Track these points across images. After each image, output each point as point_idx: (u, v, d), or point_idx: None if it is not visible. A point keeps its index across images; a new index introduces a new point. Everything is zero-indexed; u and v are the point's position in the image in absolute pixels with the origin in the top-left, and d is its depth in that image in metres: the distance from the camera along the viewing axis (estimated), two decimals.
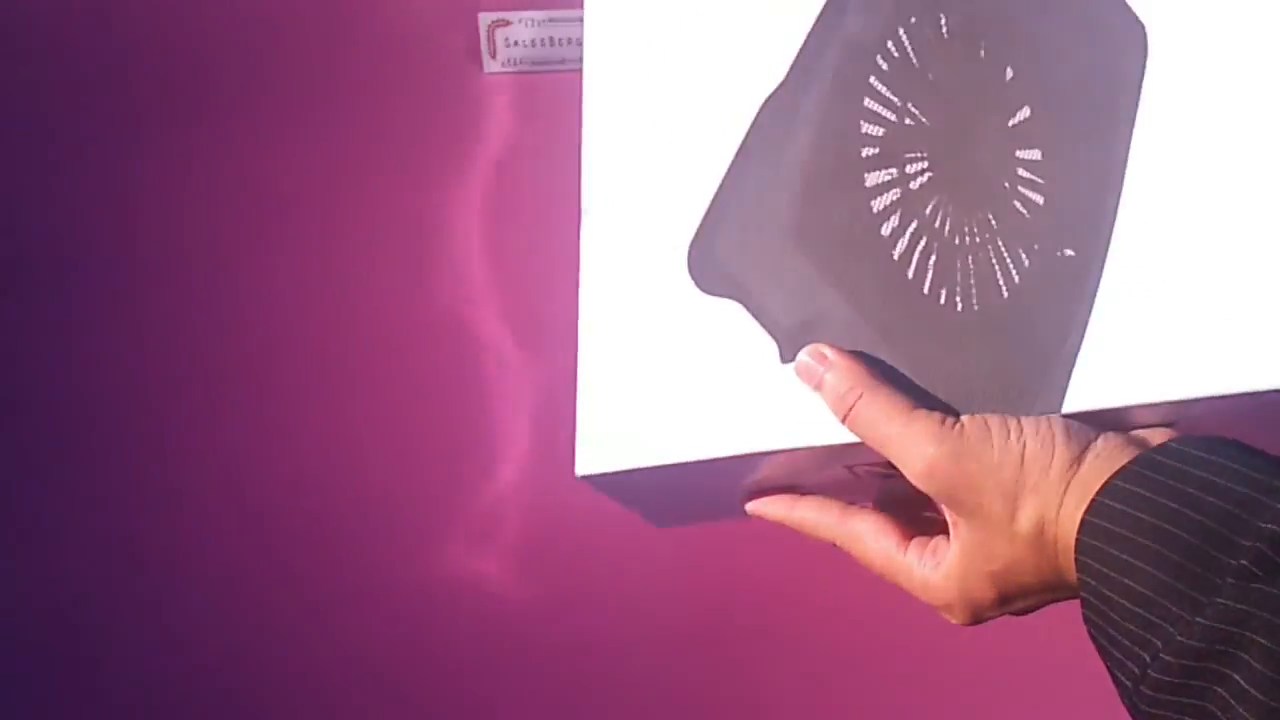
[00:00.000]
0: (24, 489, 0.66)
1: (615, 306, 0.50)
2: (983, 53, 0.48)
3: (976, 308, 0.47)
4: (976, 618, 0.46)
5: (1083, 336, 0.46)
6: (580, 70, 0.59)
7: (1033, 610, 0.47)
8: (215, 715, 0.65)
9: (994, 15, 0.48)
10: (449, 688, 0.68)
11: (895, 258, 0.48)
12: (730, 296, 0.49)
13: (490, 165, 0.68)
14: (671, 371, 0.49)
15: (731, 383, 0.49)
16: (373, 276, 0.66)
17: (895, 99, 0.48)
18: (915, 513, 0.49)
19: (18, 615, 0.64)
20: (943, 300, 0.48)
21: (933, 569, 0.47)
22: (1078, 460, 0.44)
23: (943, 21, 0.48)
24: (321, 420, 0.66)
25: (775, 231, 0.49)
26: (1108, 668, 0.42)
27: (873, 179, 0.48)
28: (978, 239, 0.47)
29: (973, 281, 0.47)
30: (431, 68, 0.69)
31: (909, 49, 0.48)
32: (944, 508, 0.46)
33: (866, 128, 0.48)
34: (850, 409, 0.46)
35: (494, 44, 0.68)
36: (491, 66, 0.69)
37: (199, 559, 0.66)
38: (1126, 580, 0.41)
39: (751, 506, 0.51)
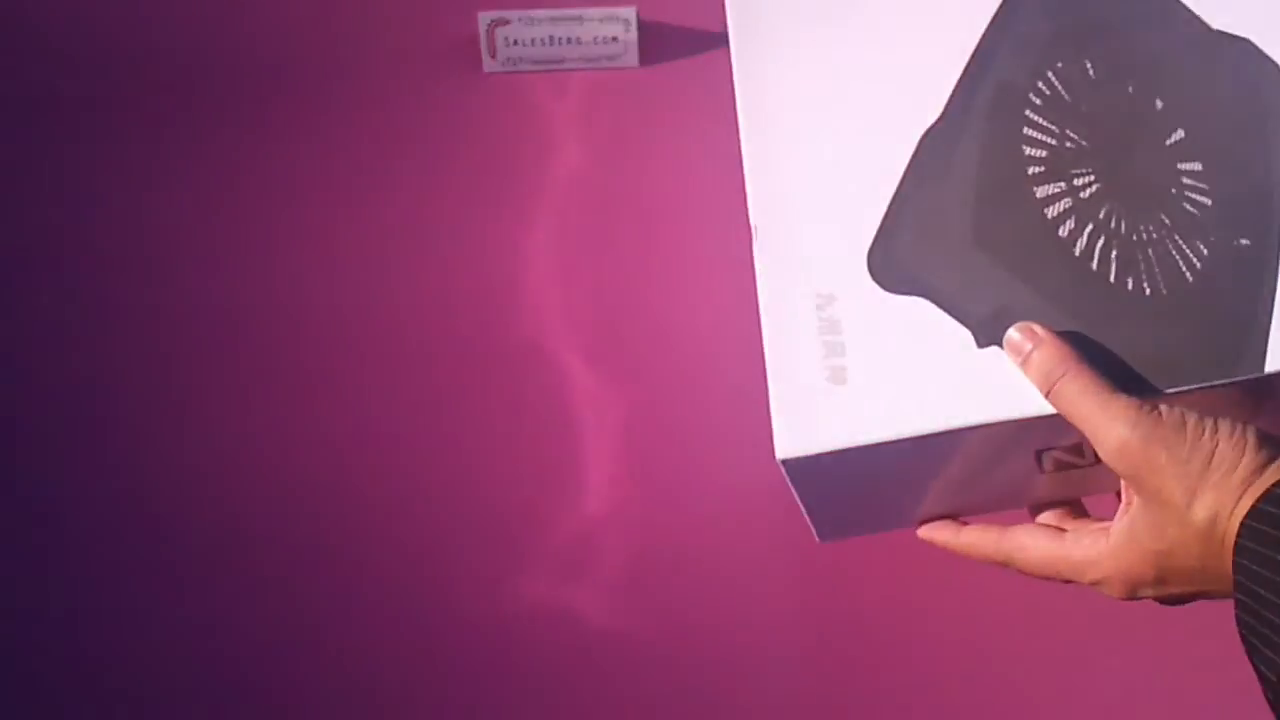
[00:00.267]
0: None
1: (796, 307, 0.50)
2: (1131, 89, 0.52)
3: (1165, 291, 0.49)
4: (1132, 593, 0.48)
5: (1272, 309, 0.48)
6: (580, 70, 0.67)
7: (1183, 602, 0.48)
8: None
9: (1136, 60, 0.52)
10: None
11: (1076, 254, 0.50)
12: (915, 293, 0.50)
13: (489, 165, 0.67)
14: (864, 360, 0.49)
15: (924, 367, 0.49)
16: (372, 277, 0.65)
17: (1053, 127, 0.52)
18: (1072, 515, 0.51)
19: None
20: (1130, 287, 0.49)
21: (1093, 545, 0.48)
22: (1262, 467, 0.45)
23: (1088, 66, 0.52)
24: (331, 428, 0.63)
25: (953, 236, 0.50)
26: (1253, 665, 0.43)
27: (1042, 191, 0.51)
28: (1154, 235, 0.50)
29: (1157, 269, 0.49)
30: (430, 67, 0.69)
31: (1059, 87, 0.52)
32: (1124, 486, 0.47)
33: (1029, 151, 0.51)
34: (1054, 384, 0.47)
35: (493, 43, 0.68)
36: (491, 66, 0.68)
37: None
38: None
39: (923, 531, 0.52)
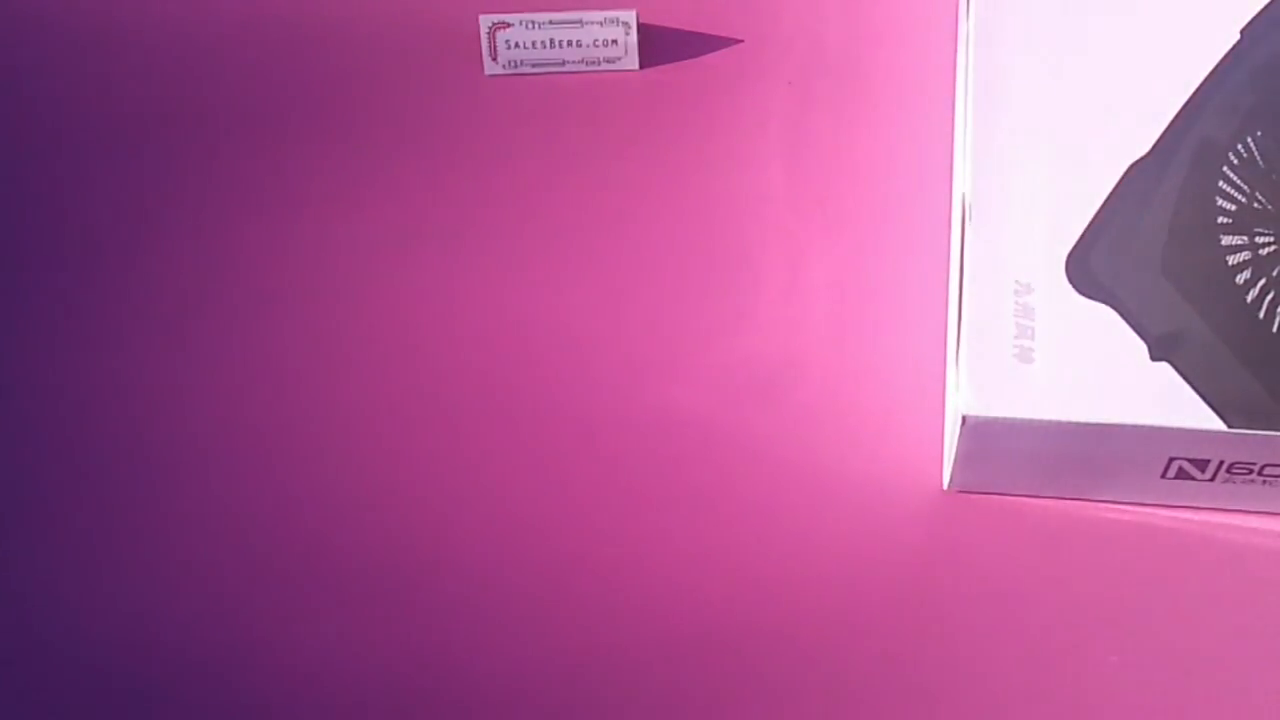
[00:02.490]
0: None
1: (997, 289, 0.56)
2: None
3: None
4: None
5: None
6: (580, 73, 0.67)
7: None
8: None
9: None
10: None
11: (1248, 301, 0.56)
12: (1102, 301, 0.56)
13: (491, 167, 0.66)
14: (1049, 347, 0.55)
15: (1100, 366, 0.55)
16: (372, 278, 0.64)
17: (1245, 186, 0.58)
18: None
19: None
20: None
21: None
22: None
23: None
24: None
25: (1144, 259, 0.56)
26: None
27: (1227, 240, 0.57)
28: None
29: None
30: (431, 70, 0.68)
31: (1256, 153, 0.58)
32: None
33: (1220, 202, 0.57)
34: None
35: (495, 46, 0.67)
36: (492, 69, 0.68)
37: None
38: None
39: None
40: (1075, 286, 0.56)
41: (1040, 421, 0.54)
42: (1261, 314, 0.56)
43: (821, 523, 0.59)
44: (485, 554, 0.60)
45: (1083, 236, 0.57)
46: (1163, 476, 0.56)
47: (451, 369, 0.63)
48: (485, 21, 0.67)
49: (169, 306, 0.64)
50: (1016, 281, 0.56)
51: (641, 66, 0.68)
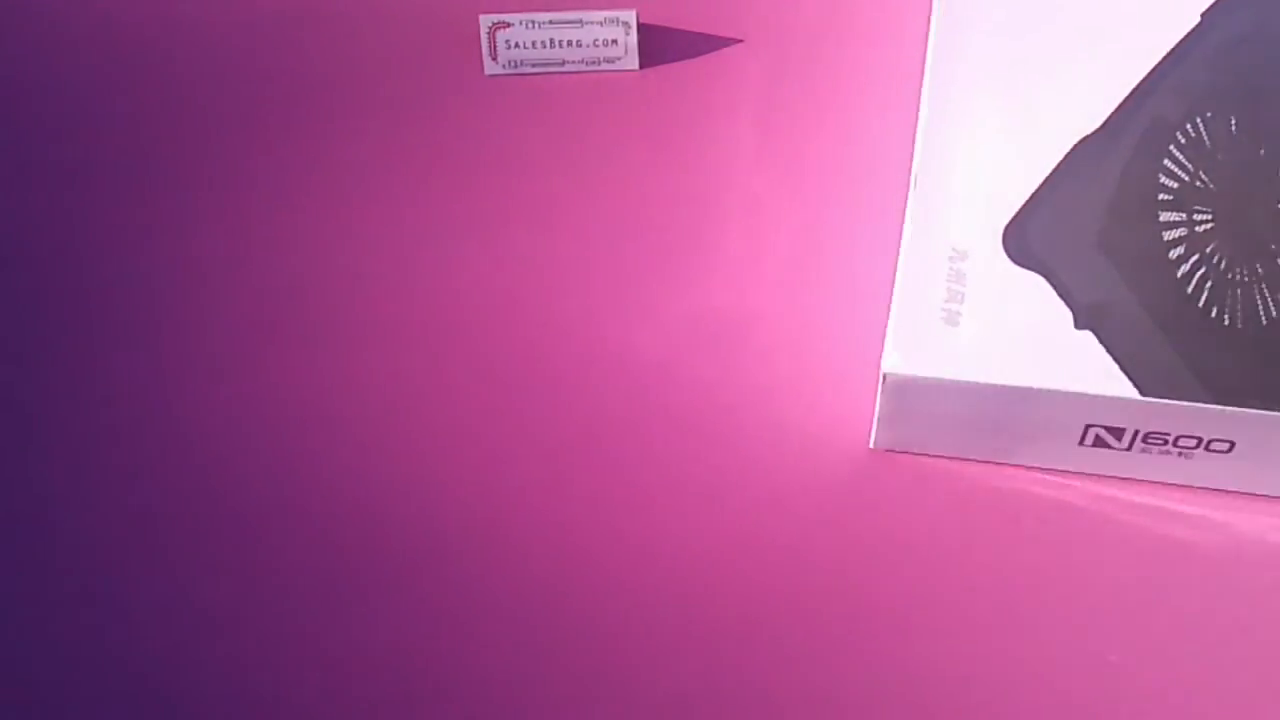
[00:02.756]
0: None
1: (932, 253, 0.58)
2: (1262, 152, 0.60)
3: (1240, 326, 0.57)
4: None
5: None
6: (580, 73, 0.68)
7: None
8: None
9: (1269, 129, 0.60)
10: None
11: (1178, 276, 0.58)
12: (1034, 270, 0.58)
13: (491, 168, 0.66)
14: (977, 312, 0.57)
15: (1025, 332, 0.57)
16: (372, 278, 0.65)
17: (1189, 165, 0.60)
18: None
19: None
20: (1214, 315, 0.57)
21: None
22: None
23: (1233, 122, 0.60)
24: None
25: (1081, 232, 0.59)
26: None
27: (1165, 217, 0.59)
28: (1246, 279, 0.58)
29: (1239, 306, 0.57)
30: (431, 70, 0.68)
31: (1204, 134, 0.60)
32: None
33: (1164, 180, 0.59)
34: None
35: (494, 46, 0.67)
36: (492, 68, 0.67)
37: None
38: None
39: None
40: (1010, 255, 0.58)
41: (960, 383, 0.57)
42: (1190, 289, 0.58)
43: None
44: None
45: (1023, 207, 0.59)
46: (1080, 444, 0.59)
47: (449, 363, 0.64)
48: (485, 21, 0.67)
49: (167, 303, 0.65)
50: (953, 248, 0.59)
51: (641, 66, 0.69)
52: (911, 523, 0.61)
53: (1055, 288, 0.58)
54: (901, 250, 0.59)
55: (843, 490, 0.61)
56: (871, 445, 0.62)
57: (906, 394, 0.58)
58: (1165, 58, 0.62)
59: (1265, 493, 0.60)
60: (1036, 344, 0.57)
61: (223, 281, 0.66)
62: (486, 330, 0.64)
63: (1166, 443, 0.58)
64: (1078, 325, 0.57)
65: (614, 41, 0.68)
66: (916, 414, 0.59)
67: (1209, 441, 0.57)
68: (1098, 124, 0.61)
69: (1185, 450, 0.58)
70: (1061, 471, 0.61)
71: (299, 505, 0.61)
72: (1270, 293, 0.57)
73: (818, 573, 0.60)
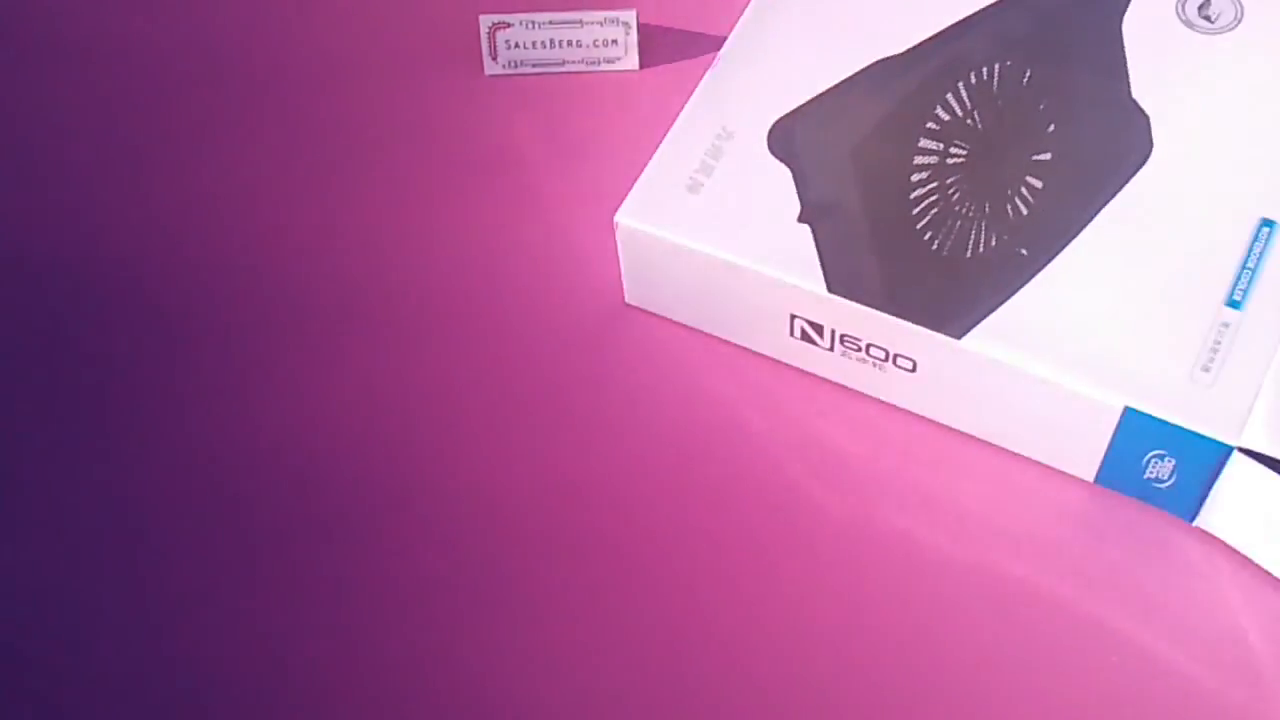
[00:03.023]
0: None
1: (702, 126, 0.65)
2: (1042, 108, 0.64)
3: (945, 254, 0.62)
4: None
5: (1002, 305, 0.61)
6: (580, 73, 0.69)
7: None
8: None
9: (1059, 89, 0.64)
10: None
11: (911, 198, 0.64)
12: (785, 163, 0.64)
13: (491, 168, 0.67)
14: (719, 186, 0.64)
15: (754, 215, 0.64)
16: (372, 279, 0.66)
17: (968, 103, 0.65)
18: None
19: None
20: (925, 238, 0.63)
21: None
22: None
23: (1027, 76, 0.65)
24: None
25: (841, 139, 0.65)
26: None
27: (924, 144, 0.64)
28: (971, 214, 0.63)
29: (952, 238, 0.63)
30: (431, 70, 0.68)
31: (995, 79, 0.65)
32: None
33: (939, 111, 0.65)
34: None
35: (494, 46, 0.67)
36: (492, 69, 0.68)
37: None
38: None
39: None
40: (770, 146, 0.65)
41: (677, 244, 0.64)
42: (915, 211, 0.64)
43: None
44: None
45: (800, 107, 0.66)
46: (791, 335, 0.65)
47: (449, 363, 0.65)
48: (485, 21, 0.67)
49: (165, 305, 0.66)
50: (723, 127, 0.66)
51: (641, 66, 0.70)
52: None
53: (796, 181, 0.64)
54: (678, 119, 0.66)
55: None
56: (626, 300, 0.68)
57: (639, 248, 0.64)
58: (992, 4, 0.66)
59: (949, 423, 0.65)
60: (757, 226, 0.63)
61: (223, 281, 0.66)
62: (487, 330, 0.66)
63: (860, 349, 0.63)
64: (800, 218, 0.64)
65: (614, 41, 0.69)
66: (653, 272, 0.65)
67: (894, 356, 0.63)
68: (903, 49, 0.66)
69: (878, 362, 0.63)
70: (780, 362, 0.66)
71: (300, 504, 0.62)
72: (987, 232, 0.63)
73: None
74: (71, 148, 0.70)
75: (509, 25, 0.67)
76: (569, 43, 0.68)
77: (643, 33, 0.70)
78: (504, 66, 0.68)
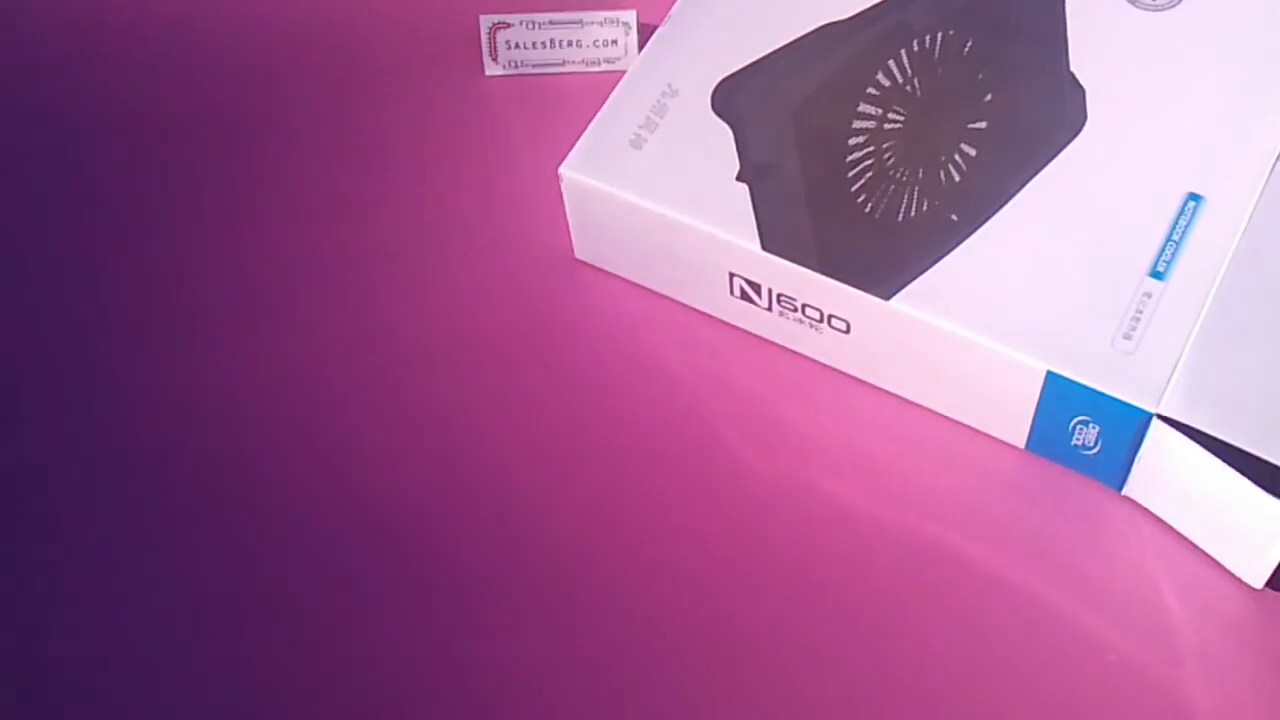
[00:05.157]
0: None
1: (649, 84, 0.66)
2: (980, 77, 0.65)
3: (878, 216, 0.63)
4: None
5: (930, 268, 0.62)
6: (580, 73, 0.70)
7: None
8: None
9: (999, 59, 0.65)
10: None
11: (847, 161, 0.65)
12: (727, 123, 0.65)
13: (491, 168, 0.67)
14: (662, 144, 0.65)
15: (693, 170, 0.65)
16: (372, 279, 0.66)
17: (908, 70, 0.66)
18: None
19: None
20: (859, 201, 0.64)
21: None
22: None
23: (968, 45, 0.66)
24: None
25: (784, 100, 0.66)
26: None
27: (863, 109, 0.65)
28: (904, 179, 0.64)
29: (885, 201, 0.64)
30: (431, 70, 0.69)
31: (937, 47, 0.66)
32: None
33: (880, 77, 0.66)
34: None
35: (495, 46, 0.67)
36: (492, 69, 0.68)
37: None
38: None
39: None
40: (713, 105, 0.66)
41: (618, 197, 0.65)
42: (851, 174, 0.65)
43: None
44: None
45: (744, 68, 0.67)
46: (731, 294, 0.66)
47: (449, 372, 0.65)
48: (485, 21, 0.68)
49: (163, 308, 0.66)
50: (669, 84, 0.67)
51: None
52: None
53: (737, 141, 0.65)
54: (625, 76, 0.67)
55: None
56: (575, 255, 0.69)
57: (584, 201, 0.65)
58: None
59: (884, 386, 0.66)
60: (696, 184, 0.64)
61: (223, 282, 0.66)
62: (485, 328, 0.66)
63: (796, 309, 0.64)
64: (738, 177, 0.65)
65: (614, 42, 0.69)
66: (598, 226, 0.66)
67: (829, 316, 0.64)
68: (849, 15, 0.67)
69: (814, 323, 0.64)
70: (722, 322, 0.67)
71: (297, 504, 0.63)
72: (919, 197, 0.64)
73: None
74: (69, 147, 0.70)
75: (509, 25, 0.67)
76: (569, 43, 0.69)
77: (643, 33, 0.70)
78: (504, 67, 0.69)
